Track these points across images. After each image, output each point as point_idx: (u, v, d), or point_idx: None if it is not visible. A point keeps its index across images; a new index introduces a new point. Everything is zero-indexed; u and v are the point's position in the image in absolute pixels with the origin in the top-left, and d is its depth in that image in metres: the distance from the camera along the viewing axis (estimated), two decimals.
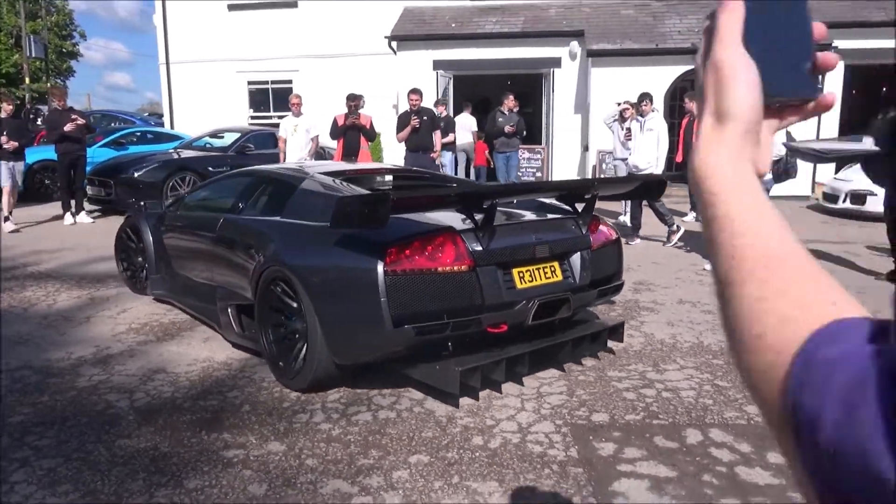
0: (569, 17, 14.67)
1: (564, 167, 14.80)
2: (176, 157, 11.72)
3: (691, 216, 10.66)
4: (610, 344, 4.33)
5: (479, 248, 3.49)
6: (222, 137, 12.69)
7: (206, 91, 16.79)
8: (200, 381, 3.98)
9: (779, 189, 8.13)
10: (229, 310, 4.36)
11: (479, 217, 3.56)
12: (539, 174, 14.59)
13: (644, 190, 4.40)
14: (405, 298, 3.25)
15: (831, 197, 11.37)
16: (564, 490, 2.80)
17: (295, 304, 3.67)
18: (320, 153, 11.48)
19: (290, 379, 3.76)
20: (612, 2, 14.90)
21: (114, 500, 2.70)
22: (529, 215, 4.21)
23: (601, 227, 4.24)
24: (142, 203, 6.12)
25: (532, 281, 3.71)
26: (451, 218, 3.65)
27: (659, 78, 13.54)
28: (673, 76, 13.64)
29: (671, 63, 13.59)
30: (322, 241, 3.64)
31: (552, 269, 3.84)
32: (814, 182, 13.40)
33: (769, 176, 6.81)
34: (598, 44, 13.55)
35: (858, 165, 11.47)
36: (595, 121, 12.60)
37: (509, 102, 10.59)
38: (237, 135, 12.22)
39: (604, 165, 13.49)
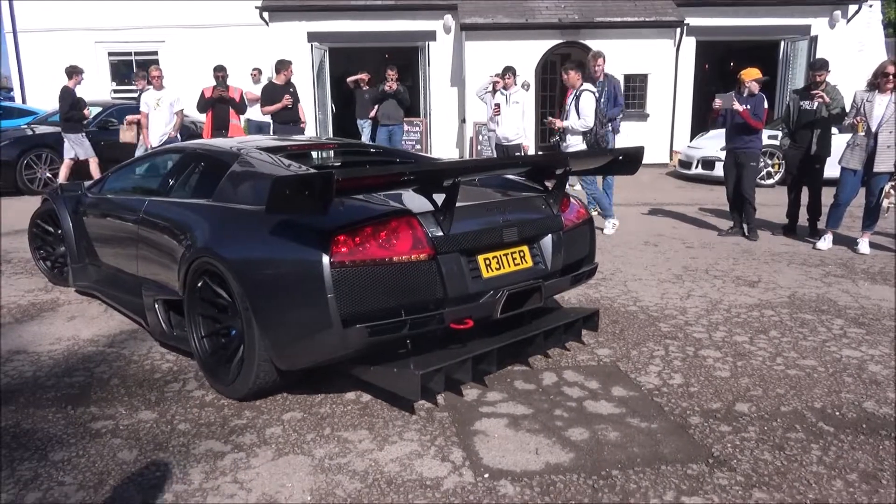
0: None
1: (443, 140, 15.08)
2: (30, 133, 10.92)
3: None
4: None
5: (440, 234, 3.06)
6: None
7: (60, 62, 15.52)
8: (65, 359, 3.87)
9: None
10: (156, 305, 3.90)
11: (438, 198, 3.13)
12: (418, 147, 14.78)
13: (621, 163, 3.81)
14: (356, 294, 2.83)
15: (685, 164, 12.32)
16: (430, 432, 3.01)
17: (228, 302, 3.25)
18: (190, 128, 11.09)
19: (226, 386, 3.31)
20: None
21: None
22: (494, 194, 3.78)
23: (572, 206, 3.84)
24: (58, 185, 5.48)
25: (500, 269, 3.32)
26: (406, 199, 3.24)
27: (530, 52, 14.04)
28: (543, 50, 14.19)
29: (540, 37, 14.12)
30: (257, 229, 3.16)
31: (521, 254, 3.44)
32: (671, 150, 14.44)
33: (584, 145, 7.37)
34: (471, 17, 13.84)
35: (709, 133, 12.49)
36: (471, 93, 12.89)
37: (393, 74, 10.58)
38: (98, 109, 11.53)
39: (480, 137, 13.87)
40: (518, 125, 8.62)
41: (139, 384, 3.53)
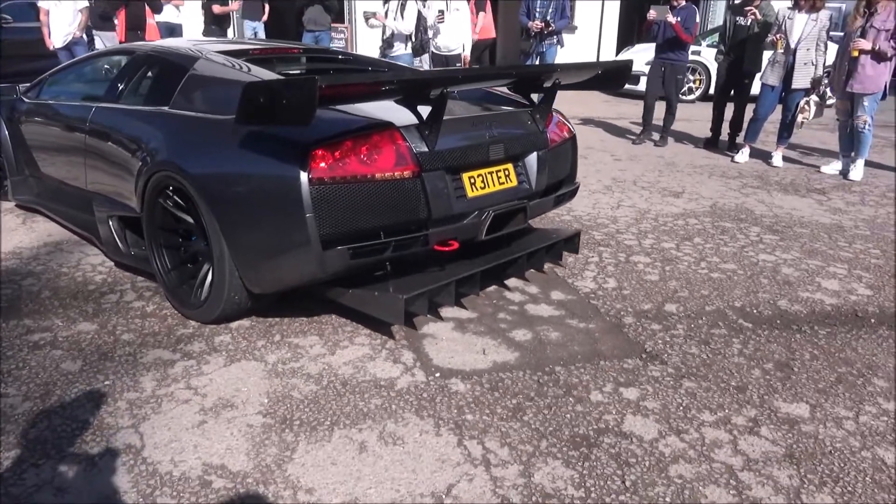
0: None
1: (368, 48, 14.57)
2: None
3: None
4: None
5: (425, 149, 2.84)
6: None
7: None
8: None
9: None
10: (110, 222, 3.58)
11: (423, 110, 2.89)
12: None
13: (606, 78, 3.60)
14: (336, 214, 2.63)
15: None
16: (379, 337, 3.08)
17: (194, 220, 3.02)
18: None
19: (193, 310, 3.14)
20: None
21: None
22: (477, 108, 3.55)
23: (556, 122, 3.64)
24: None
25: (485, 188, 3.12)
26: (386, 111, 2.93)
27: None
28: None
29: None
30: (225, 141, 2.87)
31: (506, 172, 3.25)
32: None
33: (408, 50, 7.60)
34: None
35: (636, 47, 12.61)
36: None
37: None
38: None
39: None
40: (463, 34, 8.41)
41: (73, 296, 3.42)
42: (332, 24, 12.61)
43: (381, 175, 2.71)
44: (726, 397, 2.68)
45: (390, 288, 2.90)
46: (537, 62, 8.34)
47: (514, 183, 3.28)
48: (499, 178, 3.21)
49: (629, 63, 3.77)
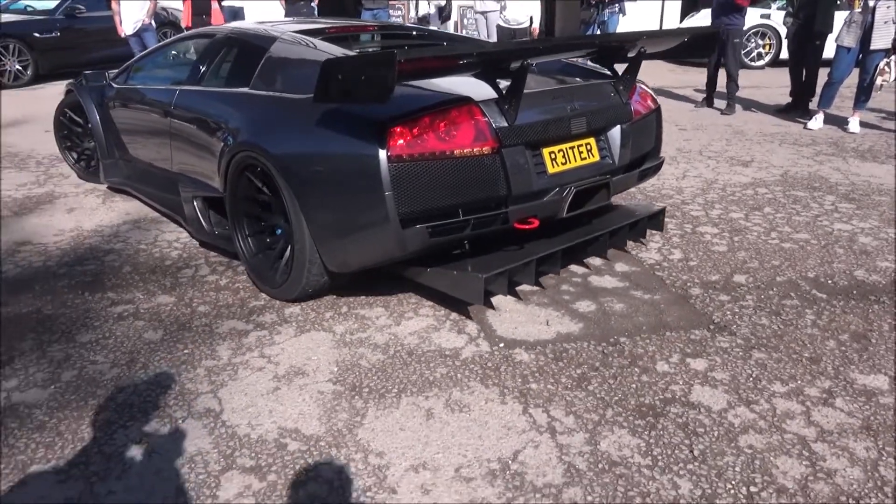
0: None
1: (424, 23, 14.52)
2: None
3: None
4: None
5: (504, 124, 2.75)
6: None
7: None
8: (72, 249, 3.89)
9: None
10: (195, 202, 3.65)
11: (502, 84, 2.81)
12: None
13: (698, 44, 3.48)
14: (415, 191, 2.58)
15: None
16: (443, 308, 3.12)
17: (275, 199, 3.04)
18: (161, 15, 10.57)
19: (274, 288, 3.18)
20: None
21: (4, 360, 2.71)
22: (557, 80, 3.42)
23: (639, 93, 3.49)
24: (82, 75, 4.99)
25: (566, 163, 3.01)
26: (464, 86, 2.87)
27: None
28: None
29: None
30: (303, 120, 2.88)
31: (588, 147, 3.13)
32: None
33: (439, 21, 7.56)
34: None
35: (700, 13, 12.21)
36: None
37: None
38: None
39: (465, 21, 13.39)
40: (528, 7, 8.31)
41: (152, 271, 3.58)
42: (390, 2, 12.65)
43: (460, 151, 2.64)
44: (799, 368, 2.62)
45: (469, 267, 2.85)
46: (598, 32, 8.17)
47: (597, 158, 3.17)
48: (580, 152, 3.10)
49: (715, 30, 3.68)
